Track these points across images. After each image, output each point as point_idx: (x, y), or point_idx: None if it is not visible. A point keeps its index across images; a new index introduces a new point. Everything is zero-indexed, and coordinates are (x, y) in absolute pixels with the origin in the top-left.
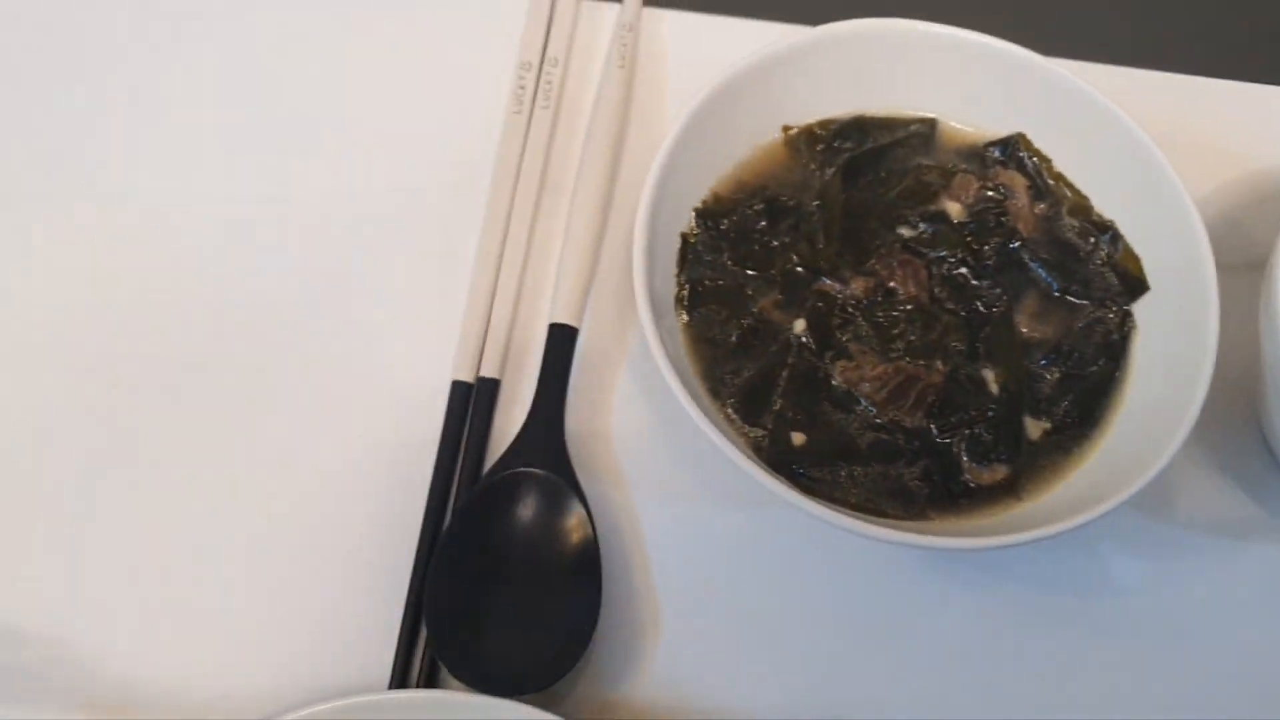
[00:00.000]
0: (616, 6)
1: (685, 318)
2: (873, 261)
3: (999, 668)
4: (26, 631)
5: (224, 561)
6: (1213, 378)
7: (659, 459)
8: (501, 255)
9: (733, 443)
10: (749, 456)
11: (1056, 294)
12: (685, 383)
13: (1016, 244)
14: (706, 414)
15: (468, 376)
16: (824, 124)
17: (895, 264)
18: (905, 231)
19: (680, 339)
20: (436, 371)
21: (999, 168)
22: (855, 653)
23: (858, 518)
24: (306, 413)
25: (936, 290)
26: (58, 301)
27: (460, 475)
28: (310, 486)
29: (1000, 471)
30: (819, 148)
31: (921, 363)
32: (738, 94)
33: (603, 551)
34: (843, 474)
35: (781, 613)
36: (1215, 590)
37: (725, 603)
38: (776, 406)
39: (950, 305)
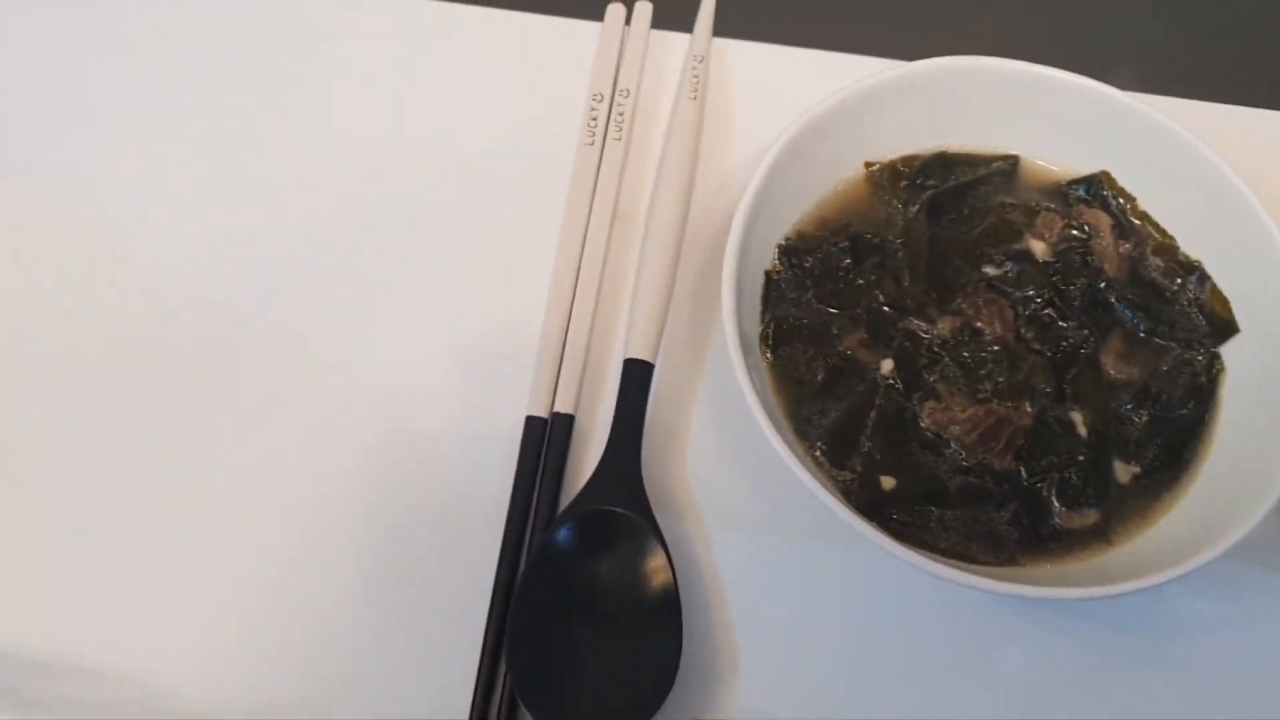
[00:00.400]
0: (686, 36)
1: (770, 356)
2: (958, 300)
3: (1069, 705)
4: (107, 667)
5: (300, 599)
6: None
7: (734, 495)
8: (575, 288)
9: (825, 487)
10: (843, 502)
11: (1143, 335)
12: (775, 424)
13: (1102, 284)
14: (797, 457)
15: (542, 412)
16: (907, 160)
17: (981, 303)
18: (990, 270)
19: (766, 378)
20: (511, 407)
21: (1083, 206)
22: (934, 689)
23: (953, 565)
24: (381, 450)
25: (1022, 330)
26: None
27: (536, 512)
28: (386, 523)
29: (1090, 516)
30: (902, 184)
31: (1010, 404)
32: (822, 131)
33: (681, 590)
34: (933, 518)
35: (861, 650)
36: None
37: (805, 641)
38: (865, 449)
39: (1037, 346)
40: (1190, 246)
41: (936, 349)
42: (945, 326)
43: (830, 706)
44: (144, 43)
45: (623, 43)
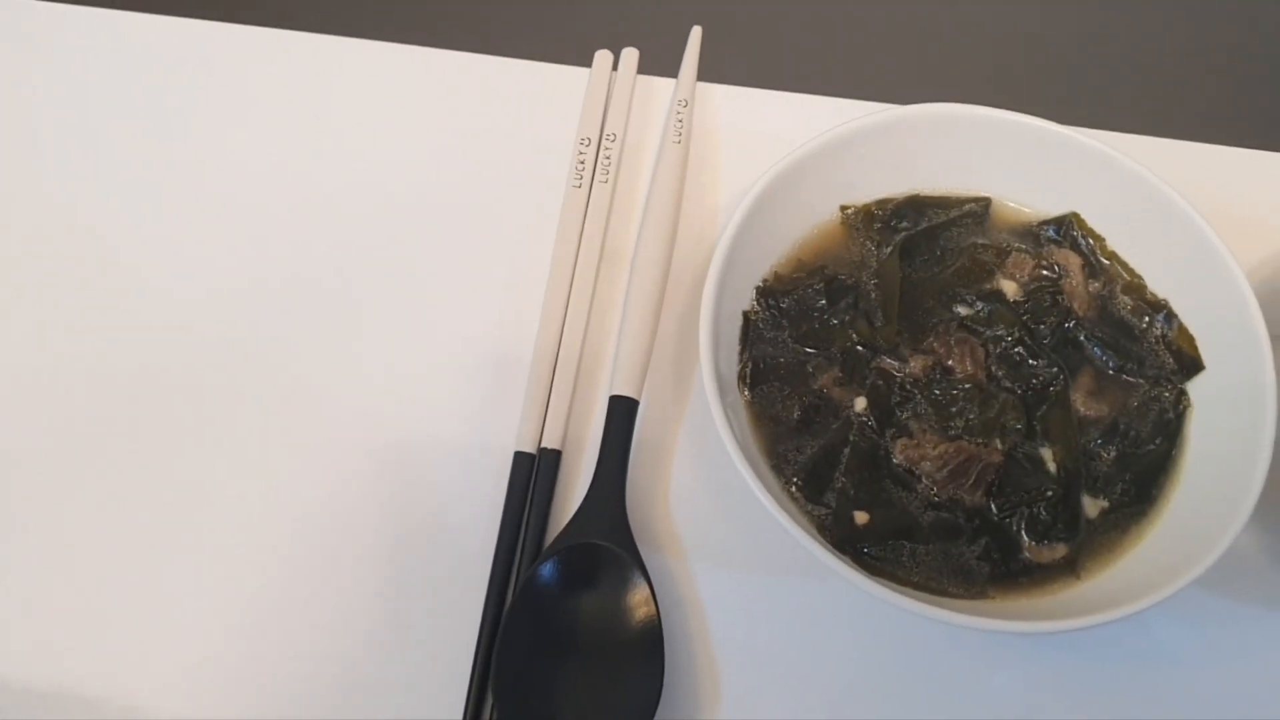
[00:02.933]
0: (671, 81)
1: (748, 395)
2: (930, 340)
3: None
4: (105, 697)
5: (292, 636)
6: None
7: (716, 530)
8: (563, 327)
9: (798, 523)
10: (815, 537)
11: (1112, 372)
12: (750, 461)
13: (1072, 323)
14: (772, 493)
15: (530, 447)
16: (881, 204)
17: (953, 342)
18: (962, 310)
19: (744, 416)
20: (499, 442)
21: (1053, 247)
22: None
23: (922, 599)
24: (372, 485)
25: (994, 369)
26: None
27: (523, 546)
28: (376, 559)
29: (1059, 550)
30: (876, 227)
31: (980, 441)
32: (798, 177)
33: (664, 624)
34: (905, 553)
35: (841, 683)
36: (1266, 664)
37: (785, 674)
38: (839, 485)
39: (1007, 384)
40: (1158, 285)
41: (909, 387)
42: (917, 365)
43: None
44: (166, 87)
45: (610, 88)
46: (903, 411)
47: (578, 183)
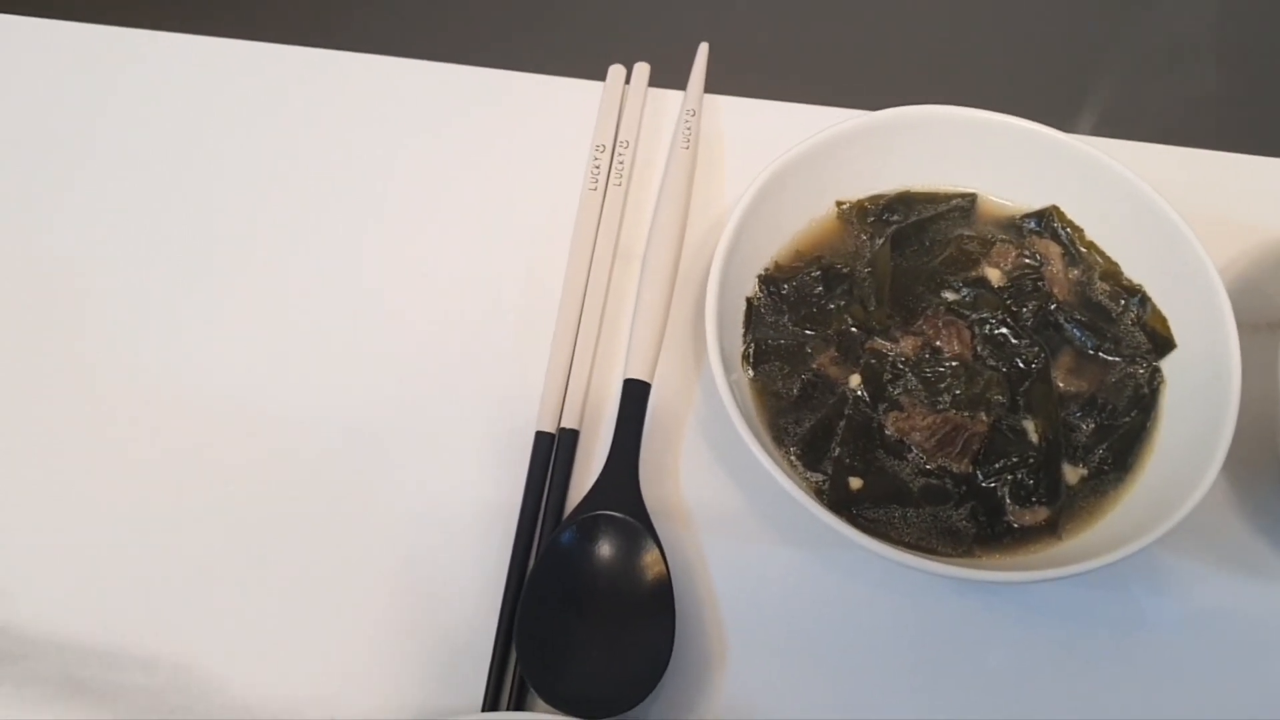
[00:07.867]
0: (680, 93)
1: (751, 373)
2: (920, 322)
3: (1039, 698)
4: (159, 657)
5: (334, 597)
6: (1236, 428)
7: (724, 501)
8: (580, 317)
9: (799, 486)
10: (814, 499)
11: (1091, 351)
12: (753, 432)
13: (1053, 306)
14: (773, 461)
15: (550, 427)
16: (873, 199)
17: (941, 324)
18: (949, 295)
19: (747, 392)
20: (522, 423)
21: (1035, 237)
22: (907, 681)
23: (912, 553)
24: (409, 464)
25: (979, 348)
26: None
27: (544, 517)
28: (412, 529)
29: (1041, 513)
30: (869, 220)
31: (966, 414)
32: (795, 174)
33: (675, 587)
34: (896, 515)
35: (839, 644)
36: (1239, 627)
37: (787, 635)
38: (835, 454)
39: (992, 362)
40: (1133, 271)
41: (900, 365)
42: (908, 345)
43: (809, 694)
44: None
45: (623, 99)
46: (894, 388)
47: (593, 186)
